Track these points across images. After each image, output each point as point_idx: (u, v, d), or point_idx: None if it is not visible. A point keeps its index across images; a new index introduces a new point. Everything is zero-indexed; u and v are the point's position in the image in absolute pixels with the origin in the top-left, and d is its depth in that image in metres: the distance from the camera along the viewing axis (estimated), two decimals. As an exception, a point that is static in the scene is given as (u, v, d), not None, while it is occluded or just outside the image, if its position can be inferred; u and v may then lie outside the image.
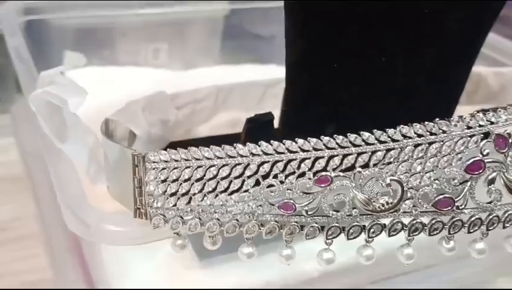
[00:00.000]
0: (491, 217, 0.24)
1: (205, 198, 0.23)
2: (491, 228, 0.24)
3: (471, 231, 0.24)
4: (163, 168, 0.24)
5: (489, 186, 0.23)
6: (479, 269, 0.42)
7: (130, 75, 0.62)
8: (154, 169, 0.24)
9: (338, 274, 0.38)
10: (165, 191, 0.24)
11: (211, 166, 0.23)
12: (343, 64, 0.32)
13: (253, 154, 0.23)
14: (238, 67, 0.61)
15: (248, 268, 0.35)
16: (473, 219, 0.23)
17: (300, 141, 0.22)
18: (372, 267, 0.33)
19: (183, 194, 0.23)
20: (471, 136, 0.23)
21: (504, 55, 0.54)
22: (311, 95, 0.32)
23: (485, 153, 0.23)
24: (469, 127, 0.23)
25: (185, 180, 0.23)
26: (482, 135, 0.23)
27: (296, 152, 0.22)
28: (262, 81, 0.46)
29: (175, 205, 0.24)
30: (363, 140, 0.22)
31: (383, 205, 0.23)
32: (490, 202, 0.23)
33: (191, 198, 0.23)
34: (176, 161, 0.23)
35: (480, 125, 0.23)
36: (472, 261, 0.41)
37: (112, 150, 0.27)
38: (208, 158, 0.23)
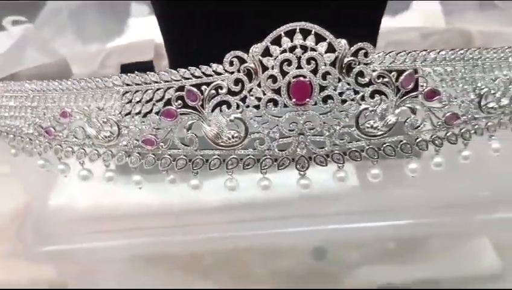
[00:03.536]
0: (196, 158, 0.28)
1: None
2: (195, 168, 0.28)
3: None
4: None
5: (187, 132, 0.28)
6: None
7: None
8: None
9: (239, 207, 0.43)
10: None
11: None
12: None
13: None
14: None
15: (154, 189, 0.42)
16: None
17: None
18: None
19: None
20: (168, 89, 0.27)
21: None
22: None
23: (177, 104, 0.27)
24: (166, 81, 0.27)
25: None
26: (176, 88, 0.27)
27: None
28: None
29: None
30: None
31: (104, 138, 0.29)
32: (188, 145, 0.28)
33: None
34: None
35: (174, 80, 0.27)
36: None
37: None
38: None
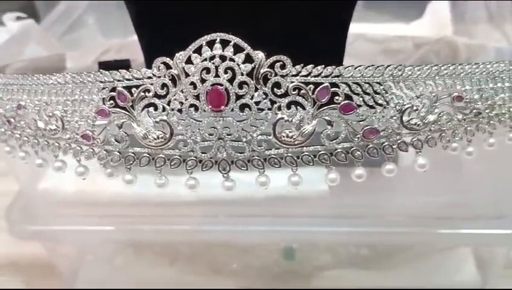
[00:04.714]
0: (127, 155, 0.30)
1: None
2: (127, 164, 0.30)
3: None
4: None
5: (119, 130, 0.30)
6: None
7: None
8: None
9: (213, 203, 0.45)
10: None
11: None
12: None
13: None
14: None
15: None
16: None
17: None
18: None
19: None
20: (102, 89, 0.30)
21: None
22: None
23: (109, 103, 0.29)
24: (101, 81, 0.29)
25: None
26: (110, 88, 0.29)
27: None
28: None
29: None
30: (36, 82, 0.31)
31: (50, 131, 0.31)
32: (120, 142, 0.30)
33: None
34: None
35: (108, 81, 0.29)
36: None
37: None
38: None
